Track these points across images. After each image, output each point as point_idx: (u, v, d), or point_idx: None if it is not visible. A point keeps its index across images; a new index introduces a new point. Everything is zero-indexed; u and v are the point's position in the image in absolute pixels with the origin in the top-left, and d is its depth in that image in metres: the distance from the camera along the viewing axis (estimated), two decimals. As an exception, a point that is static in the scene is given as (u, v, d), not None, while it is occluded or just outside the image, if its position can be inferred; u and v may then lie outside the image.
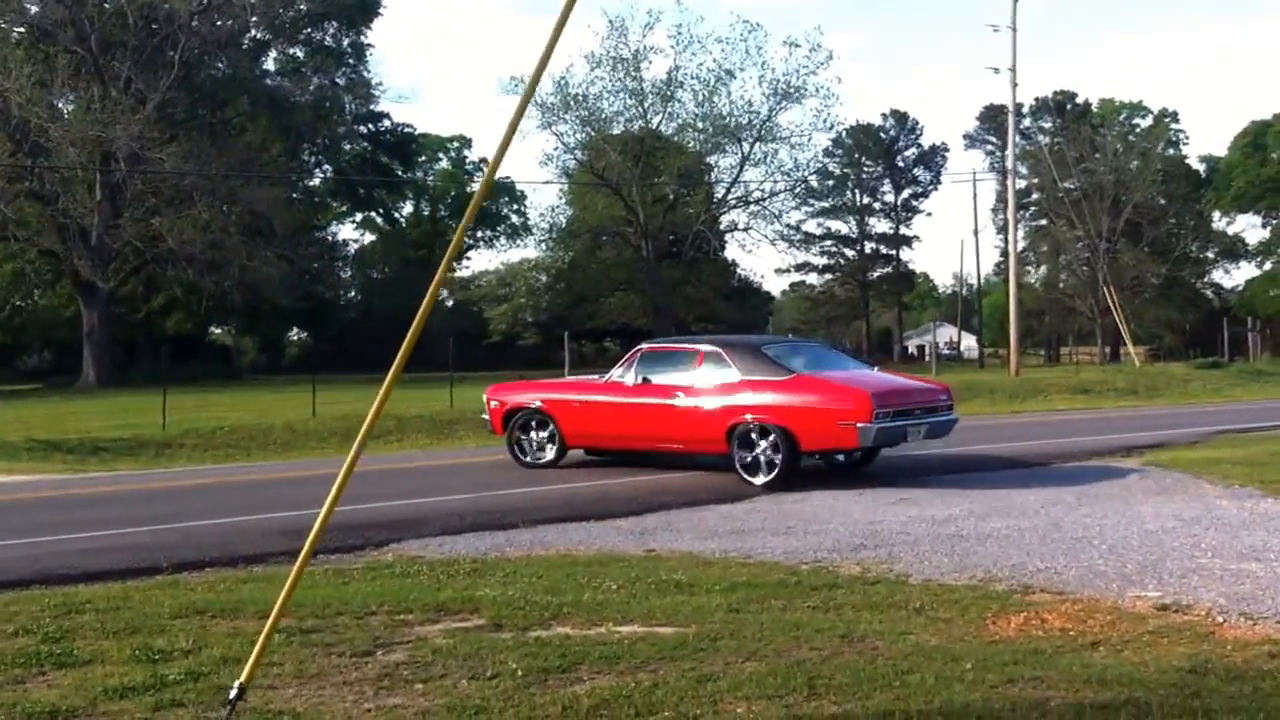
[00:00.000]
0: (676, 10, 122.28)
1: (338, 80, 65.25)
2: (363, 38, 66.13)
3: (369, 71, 67.64)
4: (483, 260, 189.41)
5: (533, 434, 16.50)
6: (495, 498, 13.37)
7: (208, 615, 7.45)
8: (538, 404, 16.53)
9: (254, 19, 58.24)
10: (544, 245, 76.33)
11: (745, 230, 73.10)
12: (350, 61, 65.97)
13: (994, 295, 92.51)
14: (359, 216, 79.06)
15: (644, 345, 17.23)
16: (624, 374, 16.04)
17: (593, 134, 68.34)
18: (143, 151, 48.92)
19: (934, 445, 16.10)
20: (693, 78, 68.10)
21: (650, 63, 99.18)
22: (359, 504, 12.20)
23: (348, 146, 71.33)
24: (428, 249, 78.13)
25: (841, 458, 15.70)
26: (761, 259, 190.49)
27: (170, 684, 5.83)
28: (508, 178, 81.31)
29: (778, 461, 14.43)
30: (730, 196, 70.94)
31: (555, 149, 75.47)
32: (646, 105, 68.32)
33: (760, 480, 14.38)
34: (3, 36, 50.62)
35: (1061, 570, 8.58)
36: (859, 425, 14.17)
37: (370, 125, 72.26)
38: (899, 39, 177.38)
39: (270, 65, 64.74)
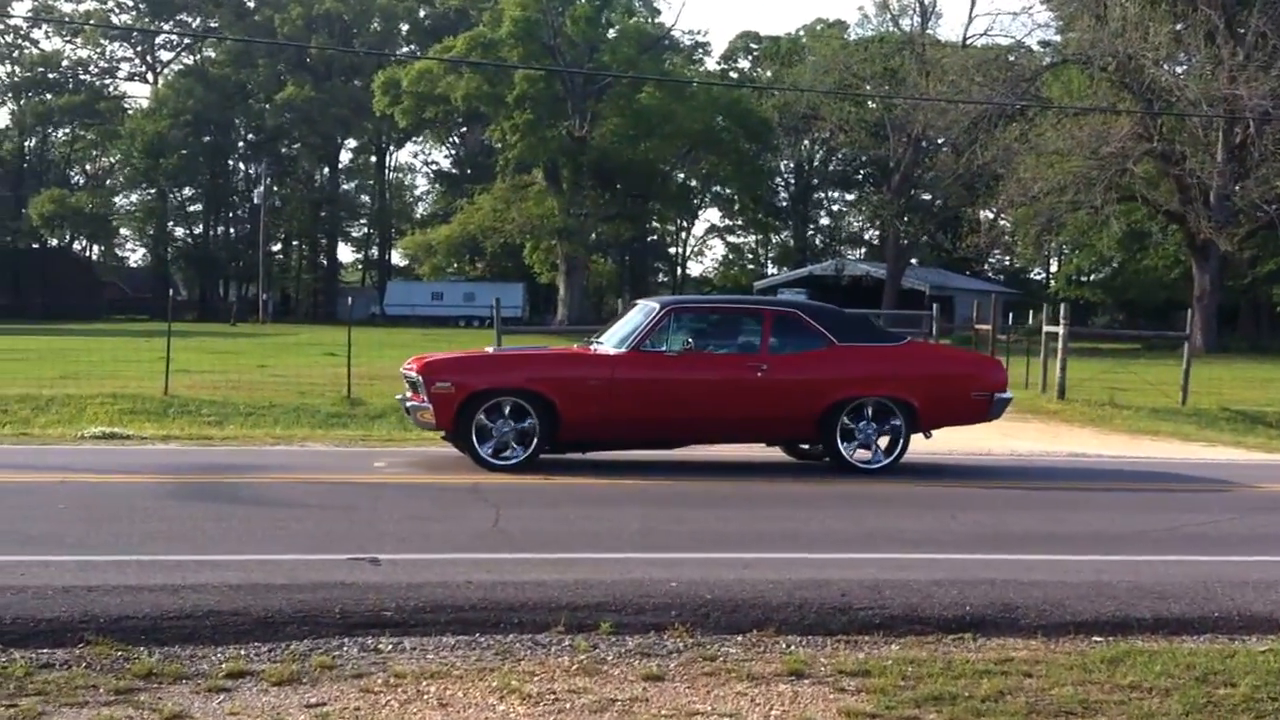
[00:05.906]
0: None
1: None
2: None
3: None
4: None
5: (508, 424, 11.85)
6: None
7: None
8: (526, 384, 11.98)
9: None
10: None
11: None
12: None
13: None
14: None
15: (670, 303, 13.17)
16: (650, 343, 12.26)
17: None
18: (1274, 110, 46.40)
19: None
20: None
21: None
22: None
23: None
24: None
25: (806, 446, 13.19)
26: None
27: None
28: None
29: (894, 444, 12.34)
30: None
31: None
32: None
33: (873, 465, 12.30)
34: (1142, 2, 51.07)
35: None
36: (996, 396, 12.72)
37: None
38: None
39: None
